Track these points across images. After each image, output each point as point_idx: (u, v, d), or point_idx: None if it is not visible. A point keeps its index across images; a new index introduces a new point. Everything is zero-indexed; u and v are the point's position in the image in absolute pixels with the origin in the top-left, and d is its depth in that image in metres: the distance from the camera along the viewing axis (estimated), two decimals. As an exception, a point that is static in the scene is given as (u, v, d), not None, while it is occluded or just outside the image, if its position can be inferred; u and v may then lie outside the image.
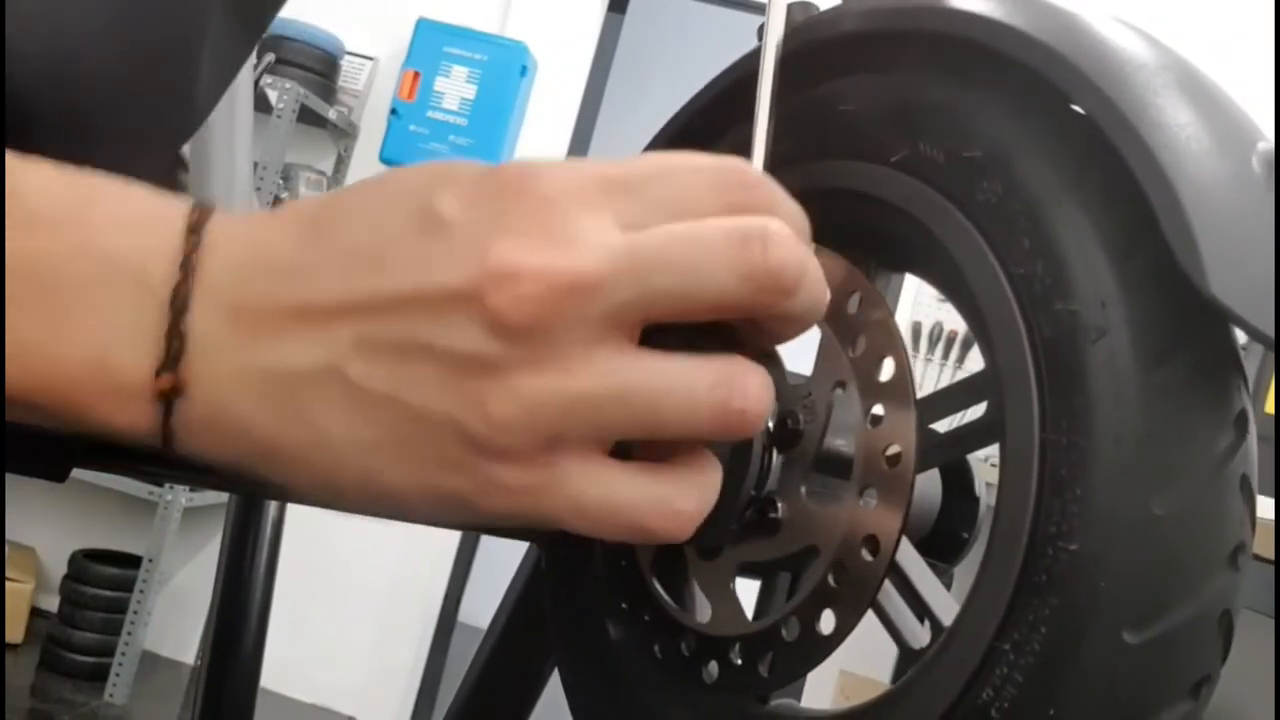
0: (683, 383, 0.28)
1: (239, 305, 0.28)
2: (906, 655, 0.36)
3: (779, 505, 0.34)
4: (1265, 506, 1.61)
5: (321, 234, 0.28)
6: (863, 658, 2.61)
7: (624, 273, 0.27)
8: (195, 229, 0.28)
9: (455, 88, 2.90)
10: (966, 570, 0.40)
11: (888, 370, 0.33)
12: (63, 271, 0.28)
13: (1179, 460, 0.27)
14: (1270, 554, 1.63)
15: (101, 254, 0.28)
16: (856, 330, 0.34)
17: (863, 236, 0.37)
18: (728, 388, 0.28)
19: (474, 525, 0.28)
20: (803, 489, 0.34)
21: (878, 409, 0.33)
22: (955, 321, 2.67)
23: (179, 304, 0.28)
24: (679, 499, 0.29)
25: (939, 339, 2.72)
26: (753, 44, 0.41)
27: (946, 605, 0.35)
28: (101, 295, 0.28)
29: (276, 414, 0.28)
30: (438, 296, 0.27)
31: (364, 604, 3.06)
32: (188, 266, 0.28)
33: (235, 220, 0.29)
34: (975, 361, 2.72)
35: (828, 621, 0.34)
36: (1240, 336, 0.28)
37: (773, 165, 0.36)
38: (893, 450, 0.32)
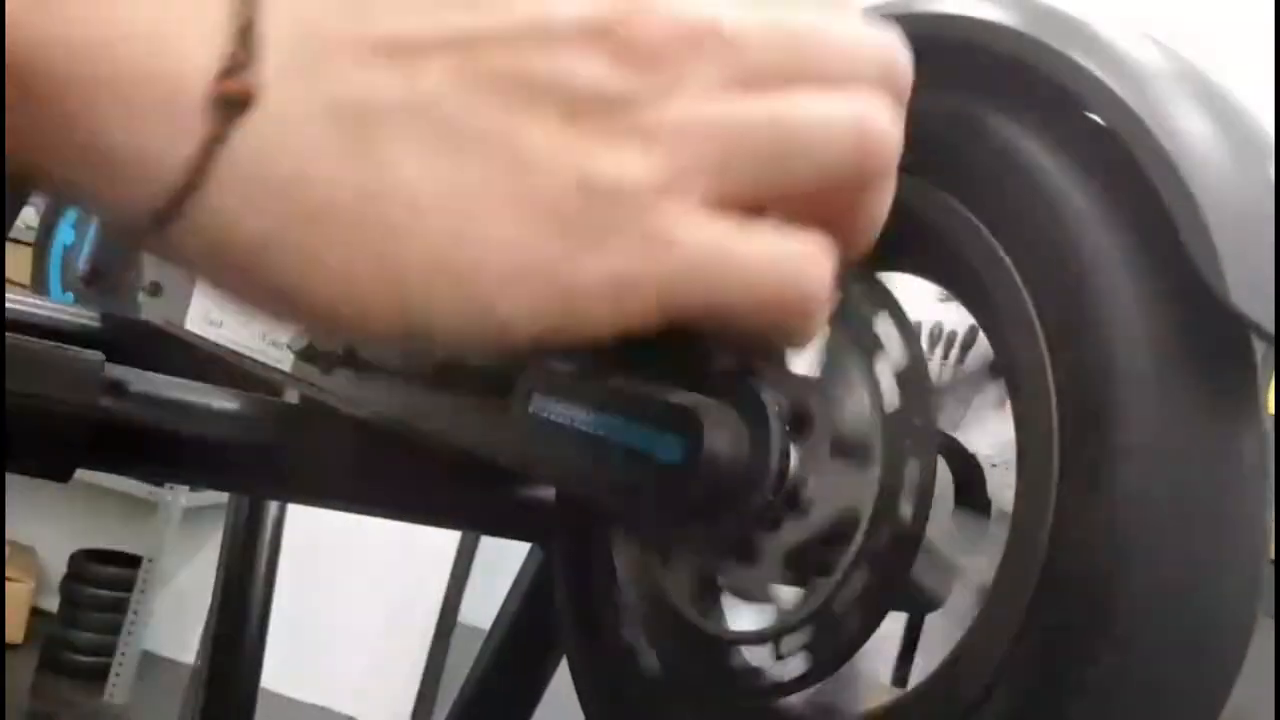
0: (820, 113, 0.26)
1: (311, 31, 0.23)
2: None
3: (807, 487, 0.34)
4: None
5: None
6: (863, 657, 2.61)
7: (765, 36, 0.26)
8: None
9: (455, 87, 2.90)
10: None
11: (909, 391, 0.32)
12: None
13: (1199, 483, 0.28)
14: (1270, 554, 1.63)
15: None
16: (878, 349, 0.33)
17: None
18: (863, 118, 0.26)
19: (518, 344, 0.25)
20: (824, 473, 0.34)
21: (890, 384, 0.33)
22: (955, 321, 2.66)
23: (251, 3, 0.23)
24: (815, 260, 0.26)
25: (939, 339, 2.72)
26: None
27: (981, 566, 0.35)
28: None
29: (346, 150, 0.23)
30: (557, 27, 0.24)
31: (364, 604, 3.06)
32: None
33: None
34: (975, 362, 2.71)
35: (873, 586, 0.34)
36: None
37: None
38: (911, 418, 0.32)
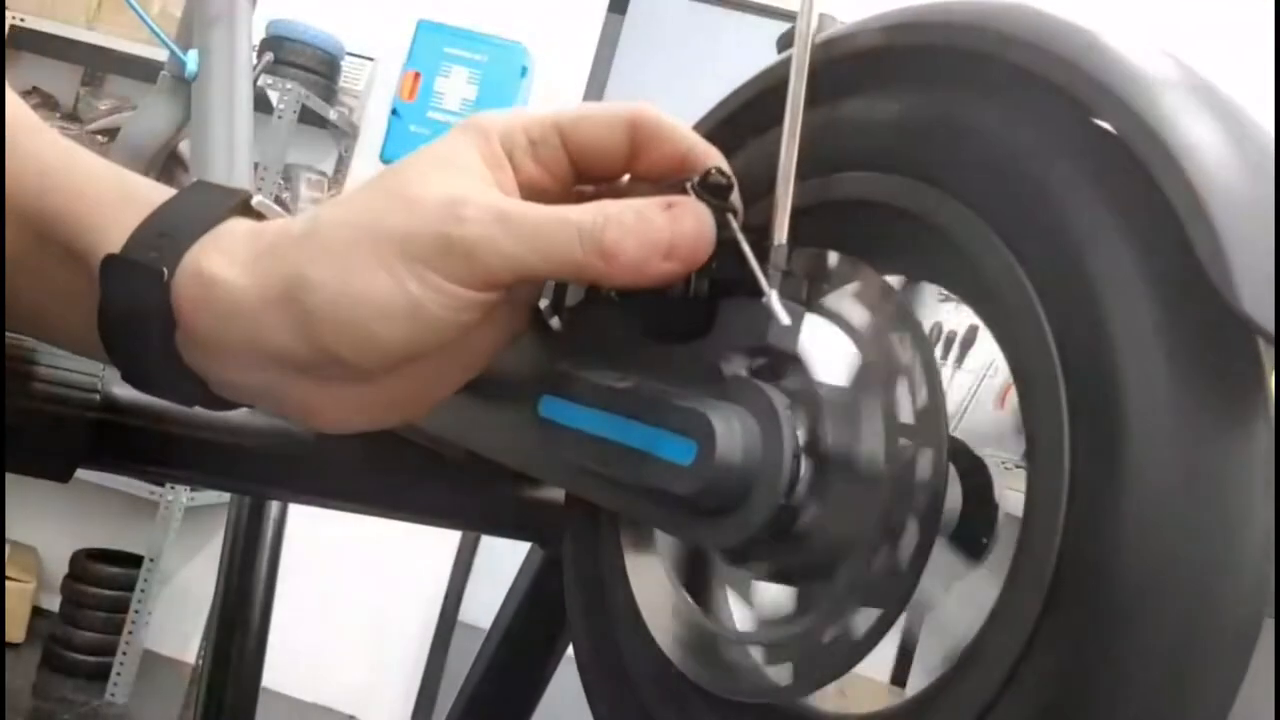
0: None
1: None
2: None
3: (802, 517, 0.34)
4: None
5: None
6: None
7: None
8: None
9: (456, 88, 2.90)
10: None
11: (920, 396, 0.32)
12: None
13: (1207, 504, 0.28)
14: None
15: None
16: (890, 354, 0.33)
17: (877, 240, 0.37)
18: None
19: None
20: (828, 504, 0.34)
21: (907, 434, 0.32)
22: (955, 322, 2.66)
23: None
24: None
25: (939, 339, 2.72)
26: (765, 51, 0.41)
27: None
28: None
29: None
30: None
31: (364, 603, 3.06)
32: None
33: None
34: (975, 361, 2.71)
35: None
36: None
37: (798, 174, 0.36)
38: (921, 473, 0.32)
